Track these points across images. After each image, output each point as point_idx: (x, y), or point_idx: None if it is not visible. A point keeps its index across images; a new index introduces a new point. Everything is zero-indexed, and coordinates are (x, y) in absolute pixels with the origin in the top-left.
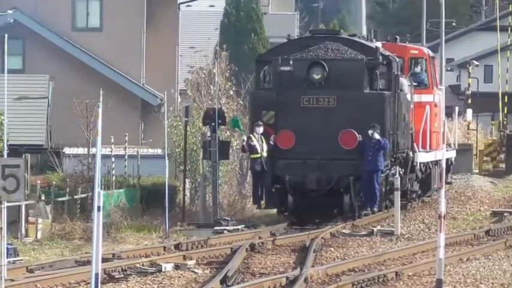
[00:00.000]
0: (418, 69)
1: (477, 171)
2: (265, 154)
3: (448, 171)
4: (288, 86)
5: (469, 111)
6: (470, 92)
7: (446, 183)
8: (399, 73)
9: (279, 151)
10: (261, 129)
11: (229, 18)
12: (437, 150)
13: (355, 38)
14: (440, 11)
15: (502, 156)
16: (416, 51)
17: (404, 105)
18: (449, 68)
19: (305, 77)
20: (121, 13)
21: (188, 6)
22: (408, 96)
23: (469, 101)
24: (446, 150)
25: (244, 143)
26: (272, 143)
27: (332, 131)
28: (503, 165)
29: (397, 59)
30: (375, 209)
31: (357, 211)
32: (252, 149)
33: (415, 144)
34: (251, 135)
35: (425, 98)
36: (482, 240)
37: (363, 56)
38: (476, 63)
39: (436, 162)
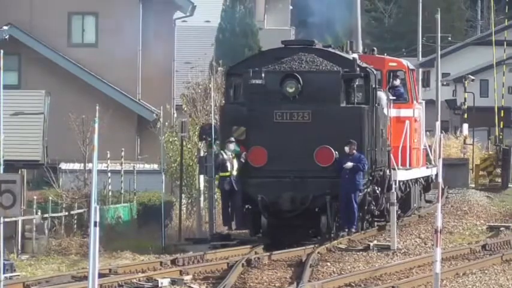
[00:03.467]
0: (397, 82)
1: (473, 185)
2: (235, 173)
3: (428, 189)
4: (259, 100)
5: (465, 126)
6: (466, 106)
7: (427, 201)
8: (377, 86)
9: (251, 169)
10: (232, 146)
11: (224, 33)
12: (417, 167)
13: (330, 49)
14: (436, 25)
15: (498, 170)
16: (394, 64)
17: (381, 120)
18: (445, 83)
19: (278, 90)
20: (116, 29)
21: (184, 21)
22: (385, 111)
23: (465, 115)
24: (427, 167)
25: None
26: (243, 161)
27: (307, 147)
28: (499, 180)
29: (375, 71)
30: (353, 230)
31: (335, 232)
32: (221, 167)
33: (393, 162)
34: (222, 152)
35: (404, 112)
36: (478, 254)
37: (339, 68)
38: (472, 77)
39: (416, 180)
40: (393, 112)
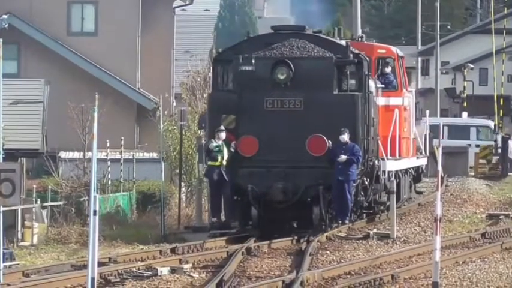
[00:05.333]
0: (388, 69)
1: (473, 174)
2: (225, 163)
3: (418, 180)
4: (250, 88)
5: (465, 114)
6: (465, 95)
7: (418, 192)
8: (369, 73)
9: (241, 159)
10: (223, 136)
11: (224, 22)
12: (407, 157)
13: (322, 35)
14: (435, 14)
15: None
16: (383, 51)
17: (373, 109)
18: (444, 71)
19: (269, 77)
20: (116, 17)
21: (183, 10)
22: (375, 99)
23: (465, 104)
24: (417, 158)
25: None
26: (233, 150)
27: (299, 136)
28: (498, 168)
29: (367, 58)
30: (346, 222)
31: (328, 223)
32: (211, 156)
33: (382, 152)
34: (212, 140)
35: (393, 101)
36: (478, 243)
37: (332, 54)
38: (472, 66)
39: (406, 171)
40: (382, 100)
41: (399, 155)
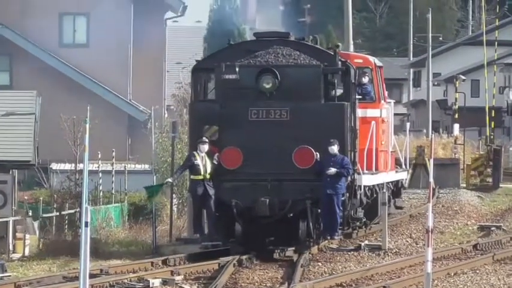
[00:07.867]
0: (365, 79)
1: (464, 185)
2: (208, 176)
3: (398, 194)
4: (233, 97)
5: (456, 126)
6: (457, 106)
7: (397, 207)
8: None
9: (224, 172)
10: (206, 147)
11: (212, 33)
12: (385, 171)
13: (307, 42)
14: (427, 25)
15: (489, 170)
16: (360, 60)
17: (358, 120)
18: (436, 83)
19: (253, 86)
20: (108, 29)
21: (175, 21)
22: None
23: (456, 115)
24: (396, 172)
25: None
26: (216, 163)
27: (285, 148)
28: (490, 180)
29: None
30: (335, 238)
31: (315, 239)
32: (193, 169)
33: (358, 165)
34: (195, 153)
35: (371, 112)
36: (469, 254)
37: (319, 62)
38: (463, 77)
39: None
40: (359, 112)
41: (376, 169)
